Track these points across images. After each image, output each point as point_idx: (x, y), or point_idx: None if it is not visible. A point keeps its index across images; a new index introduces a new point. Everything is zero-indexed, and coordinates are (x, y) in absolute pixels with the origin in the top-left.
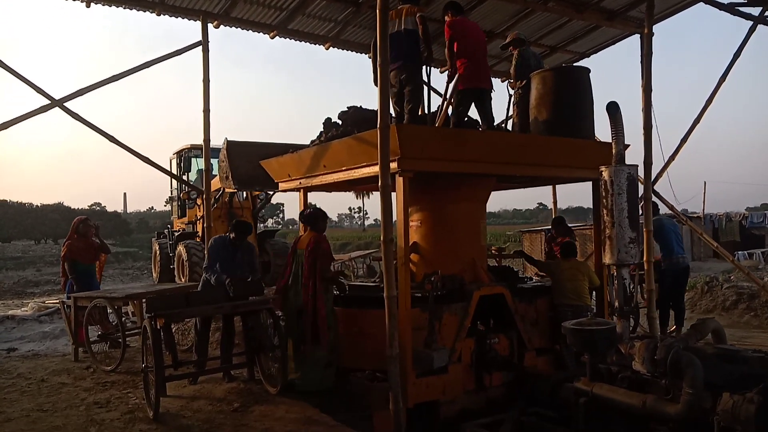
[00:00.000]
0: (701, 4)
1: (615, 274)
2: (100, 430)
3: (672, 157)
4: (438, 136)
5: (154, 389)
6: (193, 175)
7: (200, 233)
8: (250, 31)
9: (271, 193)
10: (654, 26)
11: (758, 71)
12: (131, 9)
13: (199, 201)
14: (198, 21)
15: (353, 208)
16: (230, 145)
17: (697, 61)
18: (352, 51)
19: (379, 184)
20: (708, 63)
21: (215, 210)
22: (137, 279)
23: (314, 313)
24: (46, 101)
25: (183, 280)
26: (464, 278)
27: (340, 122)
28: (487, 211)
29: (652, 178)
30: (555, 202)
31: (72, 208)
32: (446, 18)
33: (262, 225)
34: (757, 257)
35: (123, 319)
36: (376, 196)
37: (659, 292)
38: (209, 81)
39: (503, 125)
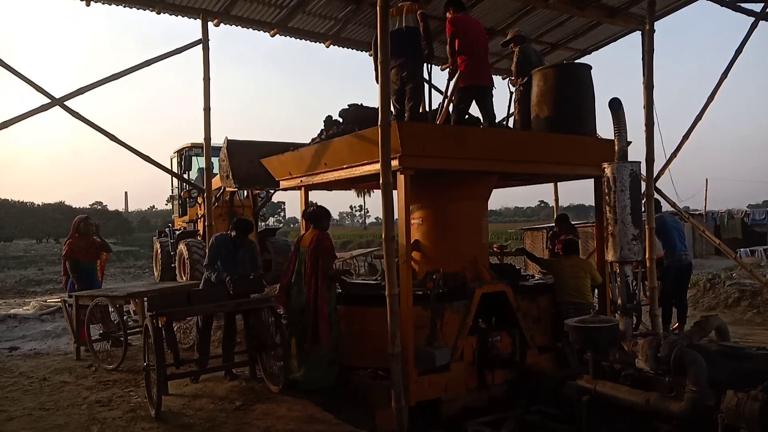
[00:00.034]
0: (703, 0)
1: (618, 271)
2: (102, 429)
3: (674, 154)
4: (439, 134)
5: (155, 388)
6: (193, 174)
7: (201, 232)
8: (250, 29)
9: (272, 191)
10: (655, 23)
11: (760, 68)
12: (131, 7)
13: (199, 199)
14: (198, 19)
15: (354, 206)
16: (231, 144)
17: (699, 58)
18: (352, 49)
19: (381, 181)
20: (709, 59)
21: (216, 208)
22: (139, 278)
23: (315, 312)
24: (47, 100)
25: (184, 278)
26: (466, 276)
27: (341, 120)
28: (489, 208)
29: (654, 175)
30: (556, 200)
31: (73, 207)
32: (447, 15)
33: (263, 223)
34: (759, 254)
35: (125, 317)
36: (377, 194)
37: (662, 289)
38: (210, 79)
39: (504, 122)
